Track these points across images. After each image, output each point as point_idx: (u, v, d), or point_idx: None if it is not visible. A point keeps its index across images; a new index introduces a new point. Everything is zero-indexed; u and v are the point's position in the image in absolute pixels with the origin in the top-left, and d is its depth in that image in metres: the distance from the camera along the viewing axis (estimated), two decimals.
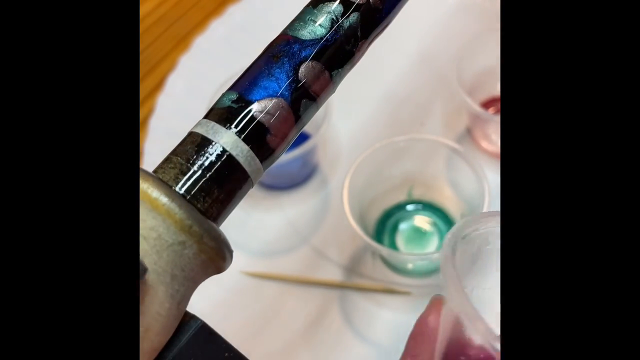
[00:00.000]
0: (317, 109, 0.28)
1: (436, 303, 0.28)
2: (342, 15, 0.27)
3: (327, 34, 0.27)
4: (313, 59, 0.27)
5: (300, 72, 0.26)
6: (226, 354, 0.24)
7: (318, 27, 0.27)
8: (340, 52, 0.27)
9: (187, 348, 0.24)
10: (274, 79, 0.26)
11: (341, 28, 0.27)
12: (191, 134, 0.26)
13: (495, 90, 0.58)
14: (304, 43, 0.27)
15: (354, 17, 0.27)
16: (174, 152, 0.26)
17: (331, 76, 0.27)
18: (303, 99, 0.27)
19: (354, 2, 0.27)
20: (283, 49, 0.27)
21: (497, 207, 0.47)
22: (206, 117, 0.26)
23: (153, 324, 0.22)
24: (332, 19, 0.27)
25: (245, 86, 0.26)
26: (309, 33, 0.27)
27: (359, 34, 0.28)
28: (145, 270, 0.22)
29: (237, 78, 0.27)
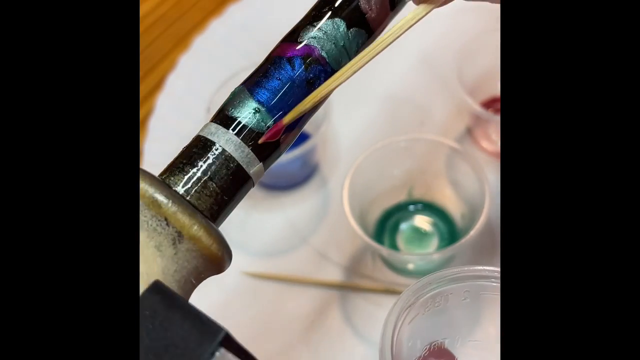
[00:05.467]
0: (317, 110, 0.28)
1: (434, 351, 0.29)
2: (362, 46, 0.27)
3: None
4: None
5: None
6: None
7: (346, 57, 0.27)
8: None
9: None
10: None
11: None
12: (195, 137, 0.26)
13: (495, 90, 0.58)
14: (333, 73, 0.26)
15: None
16: (179, 155, 0.26)
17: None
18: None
19: (375, 32, 0.27)
20: (318, 75, 0.26)
21: (497, 207, 0.47)
22: (214, 120, 0.26)
23: None
24: (357, 50, 0.27)
25: (280, 112, 0.26)
26: (338, 62, 0.27)
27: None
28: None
29: (262, 88, 0.26)
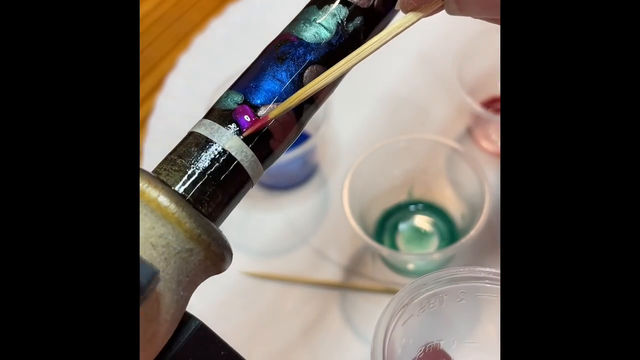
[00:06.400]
0: (316, 110, 0.28)
1: (429, 353, 0.29)
2: (347, 19, 0.27)
3: (332, 38, 0.27)
4: (318, 63, 0.26)
5: (305, 77, 0.26)
6: (222, 353, 0.24)
7: (323, 30, 0.27)
8: (343, 56, 0.27)
9: (186, 348, 0.24)
10: (279, 82, 0.26)
11: (346, 32, 0.27)
12: (192, 134, 0.26)
13: (496, 90, 0.58)
14: (309, 46, 0.26)
15: (358, 20, 0.27)
16: (175, 152, 0.26)
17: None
18: (305, 103, 0.27)
19: (359, 7, 0.27)
20: (288, 51, 0.27)
21: (497, 207, 0.47)
22: (207, 117, 0.26)
23: (159, 329, 0.22)
24: (338, 22, 0.27)
25: (251, 88, 0.26)
26: (314, 36, 0.27)
27: (361, 37, 0.27)
28: (158, 279, 0.22)
29: (240, 77, 0.27)
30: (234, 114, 0.26)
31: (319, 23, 0.27)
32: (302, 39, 0.27)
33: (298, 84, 0.26)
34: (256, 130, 0.25)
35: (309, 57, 0.26)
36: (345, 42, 0.27)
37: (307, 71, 0.26)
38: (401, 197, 0.53)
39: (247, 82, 0.26)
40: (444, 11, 0.27)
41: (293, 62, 0.26)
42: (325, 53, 0.27)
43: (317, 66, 0.26)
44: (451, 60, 0.55)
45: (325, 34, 0.27)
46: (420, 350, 0.29)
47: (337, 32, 0.27)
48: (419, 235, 0.52)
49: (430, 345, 0.29)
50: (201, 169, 0.25)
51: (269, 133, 0.26)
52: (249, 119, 0.25)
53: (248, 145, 0.25)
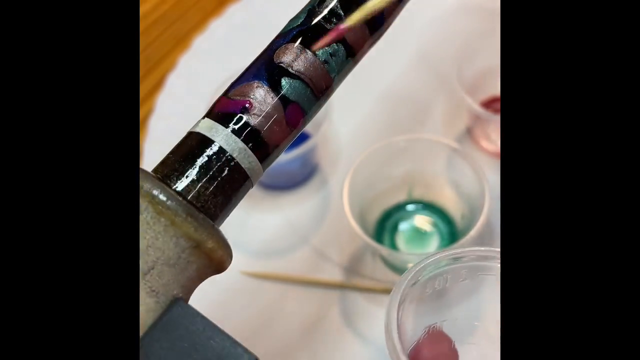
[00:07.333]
0: (311, 90, 0.27)
1: (432, 334, 0.29)
2: (319, 3, 0.27)
3: (303, 21, 0.27)
4: (289, 42, 0.27)
5: (275, 56, 0.27)
6: (213, 339, 0.23)
7: (296, 19, 0.27)
8: (319, 30, 0.27)
9: (162, 327, 0.23)
10: (254, 69, 0.27)
11: (318, 13, 0.27)
12: (191, 134, 0.26)
13: (495, 90, 0.58)
14: (281, 35, 0.27)
15: (331, 0, 0.27)
16: (173, 152, 0.26)
17: (315, 54, 0.27)
18: (283, 77, 0.26)
19: None
20: (265, 47, 0.27)
21: (497, 207, 0.47)
22: (206, 117, 0.26)
23: None
24: (309, 9, 0.27)
25: (232, 84, 0.27)
26: (288, 27, 0.27)
27: (340, 12, 0.27)
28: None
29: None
30: (214, 108, 0.26)
31: (294, 18, 0.28)
32: (278, 35, 0.27)
33: (268, 62, 0.27)
34: (331, 41, 0.26)
35: (281, 42, 0.27)
36: (319, 21, 0.27)
37: (276, 51, 0.27)
38: (401, 197, 0.53)
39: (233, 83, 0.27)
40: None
41: (266, 51, 0.27)
42: (296, 32, 0.27)
43: (288, 44, 0.27)
44: (451, 59, 0.55)
45: (297, 22, 0.27)
46: (425, 331, 0.29)
47: (308, 16, 0.27)
48: (419, 235, 0.52)
49: (434, 326, 0.29)
50: (199, 168, 0.25)
51: (267, 133, 0.26)
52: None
53: (247, 145, 0.25)
